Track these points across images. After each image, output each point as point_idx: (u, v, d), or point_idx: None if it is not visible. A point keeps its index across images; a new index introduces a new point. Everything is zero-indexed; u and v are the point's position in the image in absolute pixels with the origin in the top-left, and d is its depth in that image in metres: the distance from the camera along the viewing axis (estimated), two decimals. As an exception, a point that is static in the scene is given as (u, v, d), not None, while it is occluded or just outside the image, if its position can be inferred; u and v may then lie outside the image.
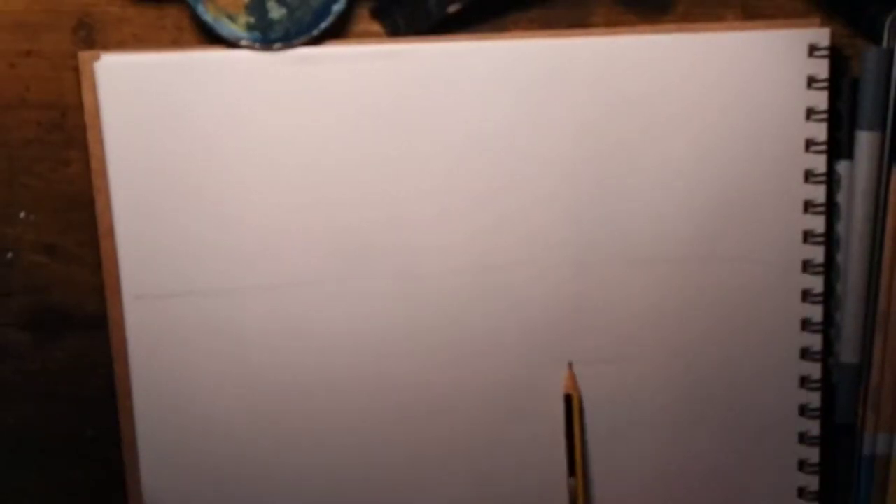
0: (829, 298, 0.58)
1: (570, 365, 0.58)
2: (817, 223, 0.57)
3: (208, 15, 0.55)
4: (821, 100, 0.56)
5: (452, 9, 0.55)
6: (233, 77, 0.55)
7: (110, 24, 0.56)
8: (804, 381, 0.58)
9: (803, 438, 0.58)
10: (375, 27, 0.57)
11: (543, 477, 0.59)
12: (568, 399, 0.57)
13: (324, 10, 0.55)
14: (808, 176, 0.57)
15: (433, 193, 0.57)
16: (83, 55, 0.55)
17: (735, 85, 0.56)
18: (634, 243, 0.57)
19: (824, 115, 0.56)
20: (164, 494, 0.58)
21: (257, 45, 0.55)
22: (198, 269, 0.56)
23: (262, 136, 0.56)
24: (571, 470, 0.58)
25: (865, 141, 0.56)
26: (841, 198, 0.57)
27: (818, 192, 0.57)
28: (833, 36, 0.56)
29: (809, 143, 0.57)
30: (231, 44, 0.55)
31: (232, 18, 0.55)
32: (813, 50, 0.56)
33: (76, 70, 0.55)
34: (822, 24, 0.56)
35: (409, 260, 0.57)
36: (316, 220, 0.56)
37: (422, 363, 0.58)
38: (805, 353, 0.58)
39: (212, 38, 0.55)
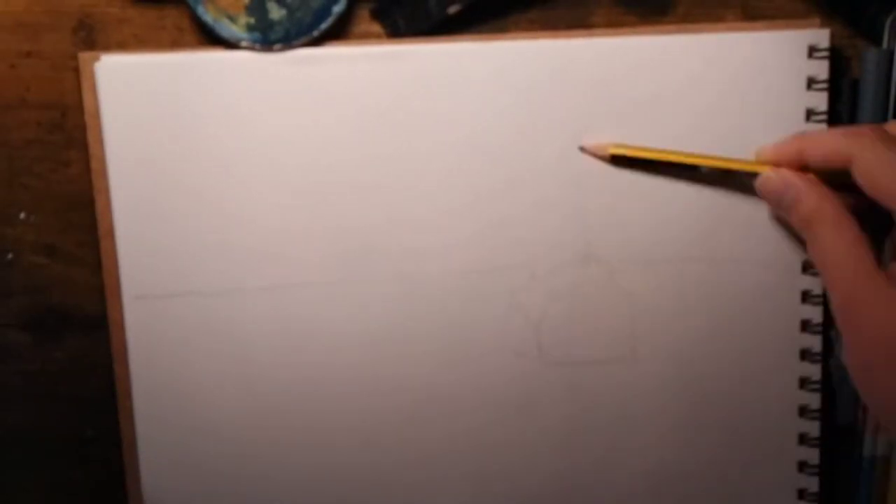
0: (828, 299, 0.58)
1: (582, 148, 0.56)
2: (817, 224, 0.57)
3: (208, 16, 0.55)
4: (820, 101, 0.56)
5: (453, 9, 0.55)
6: (233, 78, 0.55)
7: (110, 24, 0.56)
8: (804, 383, 0.58)
9: (803, 440, 0.58)
10: (376, 28, 0.57)
11: (547, 478, 0.59)
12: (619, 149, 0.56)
13: (324, 11, 0.55)
14: (808, 177, 0.57)
15: (434, 194, 0.57)
16: (83, 56, 0.55)
17: (735, 86, 0.56)
18: (634, 244, 0.57)
19: (824, 117, 0.56)
20: (164, 494, 0.58)
21: (257, 45, 0.55)
22: (198, 270, 0.56)
23: (263, 136, 0.56)
24: None
25: (865, 142, 0.56)
26: (841, 199, 0.57)
27: (818, 193, 0.57)
28: (833, 37, 0.56)
29: (809, 144, 0.57)
30: (231, 45, 0.55)
31: (232, 19, 0.55)
32: (813, 51, 0.56)
33: (76, 71, 0.56)
34: (822, 25, 0.56)
35: (410, 261, 0.57)
36: (316, 221, 0.56)
37: (423, 364, 0.58)
38: (805, 355, 0.58)
39: (212, 38, 0.56)
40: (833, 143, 0.50)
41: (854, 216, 0.49)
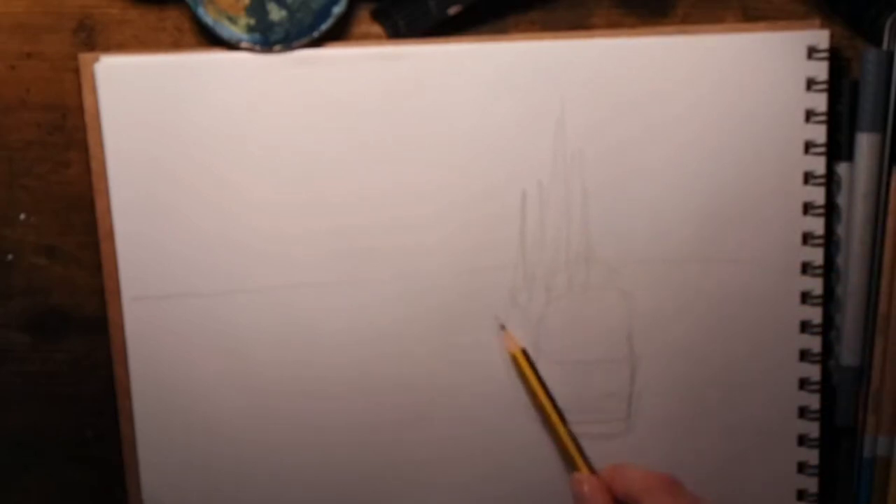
0: (828, 301, 0.58)
1: (503, 327, 0.57)
2: (817, 225, 0.57)
3: (209, 17, 0.55)
4: (820, 102, 0.56)
5: (453, 10, 0.55)
6: (233, 79, 0.55)
7: (111, 25, 0.56)
8: (804, 384, 0.58)
9: (803, 441, 0.59)
10: (376, 29, 0.57)
11: (546, 477, 0.59)
12: (520, 355, 0.57)
13: (324, 12, 0.55)
14: (808, 178, 0.57)
15: (433, 195, 0.57)
16: (83, 57, 0.55)
17: (735, 87, 0.56)
18: (634, 244, 0.57)
19: (824, 117, 0.56)
20: (163, 494, 0.58)
21: (257, 46, 0.55)
22: (197, 271, 0.56)
23: (262, 137, 0.56)
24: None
25: (865, 143, 0.56)
26: (841, 200, 0.57)
27: (818, 194, 0.57)
28: (833, 38, 0.56)
29: (809, 145, 0.57)
30: (231, 46, 0.55)
31: (232, 20, 0.55)
32: (812, 52, 0.56)
33: (76, 72, 0.56)
34: (822, 26, 0.56)
35: (410, 261, 0.57)
36: (315, 222, 0.56)
37: (421, 364, 0.58)
38: (804, 356, 0.58)
39: (212, 39, 0.55)
40: (630, 484, 0.55)
41: None
